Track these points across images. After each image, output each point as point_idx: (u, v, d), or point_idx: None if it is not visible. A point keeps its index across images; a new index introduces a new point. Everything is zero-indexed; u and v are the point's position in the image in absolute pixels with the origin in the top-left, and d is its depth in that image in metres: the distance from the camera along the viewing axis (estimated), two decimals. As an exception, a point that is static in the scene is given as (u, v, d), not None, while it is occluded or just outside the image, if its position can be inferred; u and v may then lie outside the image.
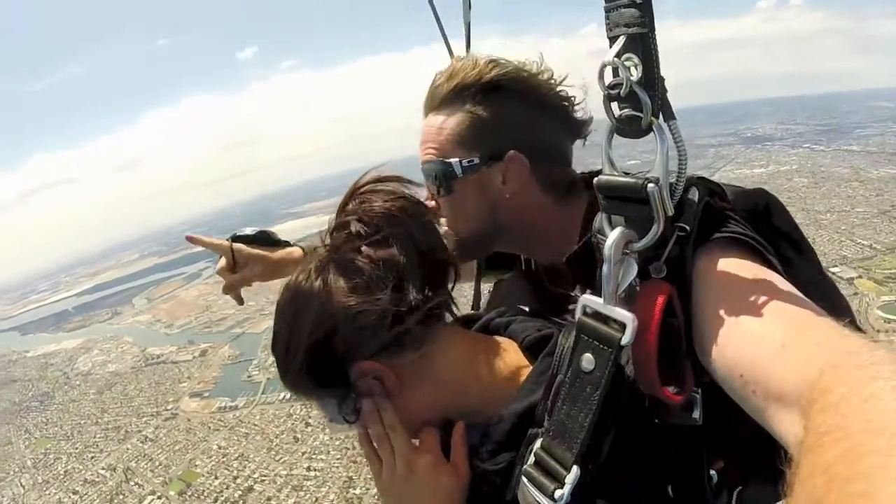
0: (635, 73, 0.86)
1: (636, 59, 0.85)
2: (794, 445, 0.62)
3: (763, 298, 0.82)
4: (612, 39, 0.88)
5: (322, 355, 1.14)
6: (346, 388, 1.16)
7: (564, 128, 1.51)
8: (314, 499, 39.91)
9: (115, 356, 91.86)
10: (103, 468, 57.48)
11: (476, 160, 1.40)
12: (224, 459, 50.28)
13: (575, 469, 0.88)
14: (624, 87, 0.87)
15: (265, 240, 1.86)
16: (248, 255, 1.80)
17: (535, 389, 1.08)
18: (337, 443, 43.35)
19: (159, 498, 48.47)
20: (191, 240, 1.92)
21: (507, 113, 1.41)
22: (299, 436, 48.48)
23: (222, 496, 45.30)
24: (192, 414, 61.97)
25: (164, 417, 64.02)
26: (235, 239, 1.83)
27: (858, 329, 0.82)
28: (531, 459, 0.96)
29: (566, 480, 0.88)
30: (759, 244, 0.91)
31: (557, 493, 0.89)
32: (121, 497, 50.81)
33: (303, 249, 1.84)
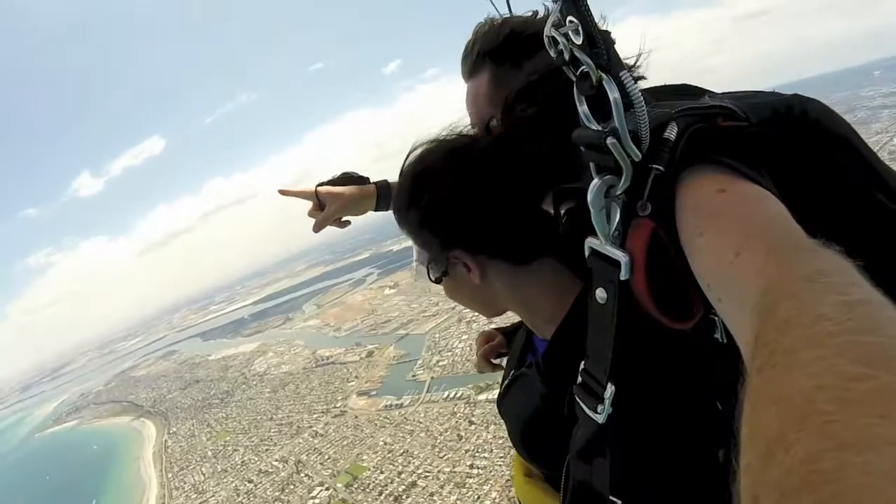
0: (578, 37, 0.95)
1: (575, 21, 0.94)
2: (746, 356, 0.65)
3: (726, 210, 0.87)
4: (551, 7, 1.00)
5: (443, 216, 1.34)
6: (439, 252, 1.38)
7: None
8: (476, 496, 41.92)
9: (288, 358, 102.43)
10: (276, 460, 64.52)
11: None
12: (389, 455, 54.29)
13: (610, 386, 1.05)
14: (566, 52, 0.98)
15: (346, 180, 2.12)
16: (327, 193, 2.07)
17: (572, 319, 1.30)
18: (500, 441, 44.99)
19: (327, 489, 53.69)
20: (282, 192, 2.17)
21: (528, 64, 1.48)
22: (462, 433, 50.82)
23: (387, 490, 49.08)
24: (359, 411, 67.42)
25: (333, 414, 70.21)
26: (320, 184, 2.09)
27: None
28: (579, 379, 1.14)
29: (605, 396, 1.06)
30: (737, 164, 0.93)
31: (599, 407, 1.07)
32: (291, 487, 56.92)
33: (376, 185, 2.12)
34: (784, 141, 1.03)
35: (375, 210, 2.12)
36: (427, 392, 63.23)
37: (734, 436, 0.92)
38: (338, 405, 72.84)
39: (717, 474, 1.06)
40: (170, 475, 73.42)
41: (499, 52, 1.52)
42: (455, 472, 46.83)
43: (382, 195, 2.08)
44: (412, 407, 61.44)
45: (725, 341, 1.06)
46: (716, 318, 1.05)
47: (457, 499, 43.51)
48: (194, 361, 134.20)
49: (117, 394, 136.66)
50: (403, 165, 1.42)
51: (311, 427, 69.63)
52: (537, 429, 1.41)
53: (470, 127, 1.51)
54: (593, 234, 1.03)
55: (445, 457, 49.10)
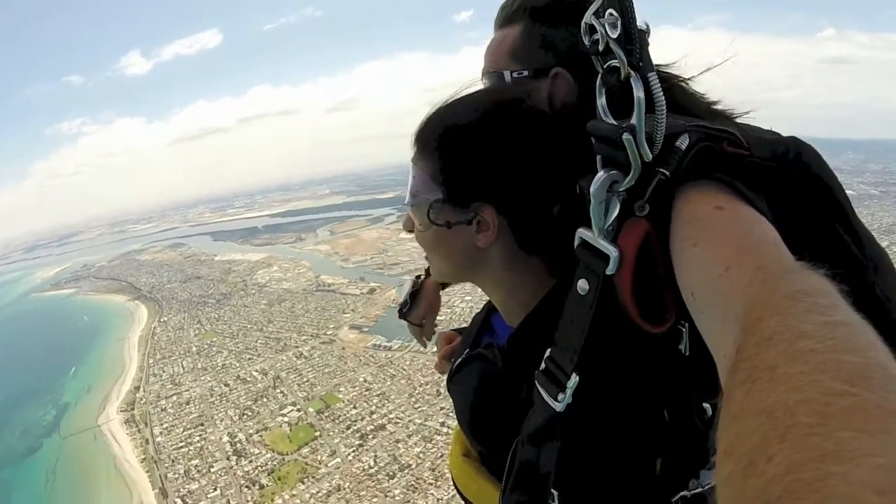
0: (615, 31, 0.98)
1: (615, 14, 0.97)
2: (726, 370, 0.68)
3: (722, 226, 0.92)
4: None
5: (496, 163, 1.29)
6: (463, 197, 1.31)
7: None
8: (440, 454, 42.16)
9: (291, 276, 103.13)
10: (256, 370, 65.47)
11: (525, 72, 1.51)
12: (366, 393, 55.09)
13: (574, 376, 1.10)
14: (601, 42, 1.01)
15: (415, 294, 2.19)
16: (422, 315, 2.20)
17: (545, 307, 1.33)
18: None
19: (298, 410, 54.51)
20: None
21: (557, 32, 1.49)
22: (442, 391, 48.14)
23: (355, 425, 49.84)
24: (347, 344, 68.13)
25: (322, 341, 71.08)
26: (403, 317, 2.20)
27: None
28: (542, 366, 1.18)
29: (567, 385, 1.10)
30: (738, 184, 0.98)
31: (560, 395, 1.11)
32: (265, 400, 57.87)
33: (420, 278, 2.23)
34: (776, 176, 1.07)
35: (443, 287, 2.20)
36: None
37: (676, 448, 1.17)
38: (328, 333, 73.61)
39: (652, 481, 1.18)
40: (151, 361, 74.76)
41: (539, 12, 1.51)
42: (425, 425, 47.35)
43: None
44: (400, 352, 61.79)
45: (688, 354, 1.10)
46: (682, 330, 1.09)
47: (420, 451, 44.14)
48: (199, 258, 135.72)
49: (118, 272, 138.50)
50: (464, 92, 1.38)
51: (297, 347, 70.57)
52: (487, 409, 1.43)
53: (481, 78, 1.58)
54: (584, 225, 1.08)
55: (420, 408, 49.61)
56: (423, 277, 2.21)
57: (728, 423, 0.56)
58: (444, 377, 1.69)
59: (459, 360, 1.55)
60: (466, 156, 1.30)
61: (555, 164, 1.27)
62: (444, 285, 2.19)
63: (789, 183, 1.09)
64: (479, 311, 1.76)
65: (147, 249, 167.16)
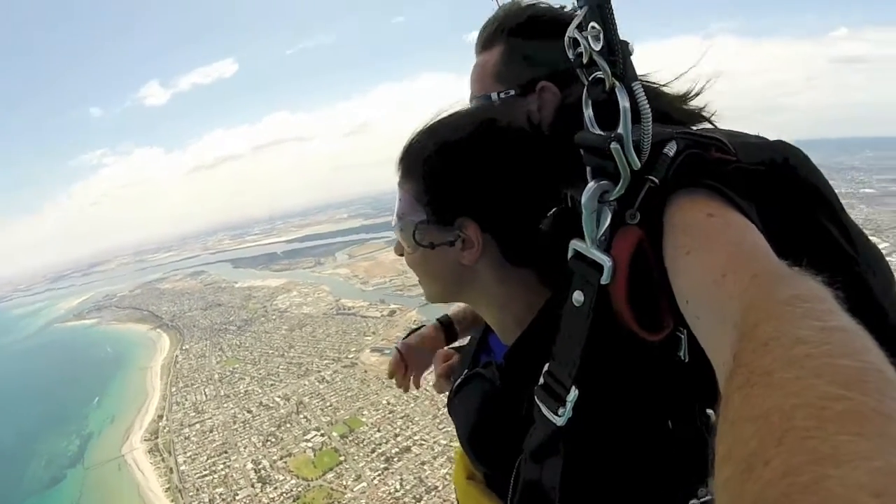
0: (597, 43, 1.00)
1: (598, 27, 0.99)
2: (723, 376, 0.68)
3: (715, 233, 0.92)
4: (575, 8, 1.05)
5: (474, 179, 1.28)
6: (446, 216, 1.30)
7: None
8: (468, 475, 41.28)
9: (311, 301, 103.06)
10: (279, 396, 65.10)
11: (512, 91, 1.51)
12: (390, 416, 54.35)
13: (574, 390, 1.09)
14: (585, 54, 1.03)
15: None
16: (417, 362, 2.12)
17: (540, 322, 1.31)
18: (506, 426, 44.04)
19: (322, 435, 53.96)
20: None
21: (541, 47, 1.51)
22: None
23: (380, 448, 49.14)
24: (369, 367, 67.13)
25: (344, 364, 70.62)
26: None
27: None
28: (541, 381, 1.17)
29: (567, 399, 1.09)
30: (728, 191, 0.98)
31: (560, 410, 1.10)
32: (288, 426, 57.40)
33: (440, 323, 2.16)
34: (765, 181, 1.08)
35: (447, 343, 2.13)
36: (440, 362, 62.27)
37: (681, 457, 1.14)
38: (350, 356, 73.17)
39: (659, 492, 1.16)
40: (173, 389, 74.75)
41: (517, 30, 1.53)
42: (451, 446, 45.89)
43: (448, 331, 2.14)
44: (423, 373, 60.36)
45: (687, 360, 1.11)
46: (681, 337, 1.10)
47: (447, 472, 43.02)
48: (220, 285, 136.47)
49: (140, 302, 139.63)
50: (445, 112, 1.39)
51: (319, 372, 70.18)
52: (489, 428, 1.40)
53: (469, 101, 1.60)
54: (577, 237, 1.10)
55: (445, 429, 48.72)
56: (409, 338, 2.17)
57: (726, 428, 0.57)
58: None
59: (459, 380, 1.52)
60: (445, 175, 1.31)
61: (533, 178, 1.29)
62: (449, 336, 2.14)
63: (779, 187, 1.10)
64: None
65: (168, 278, 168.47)
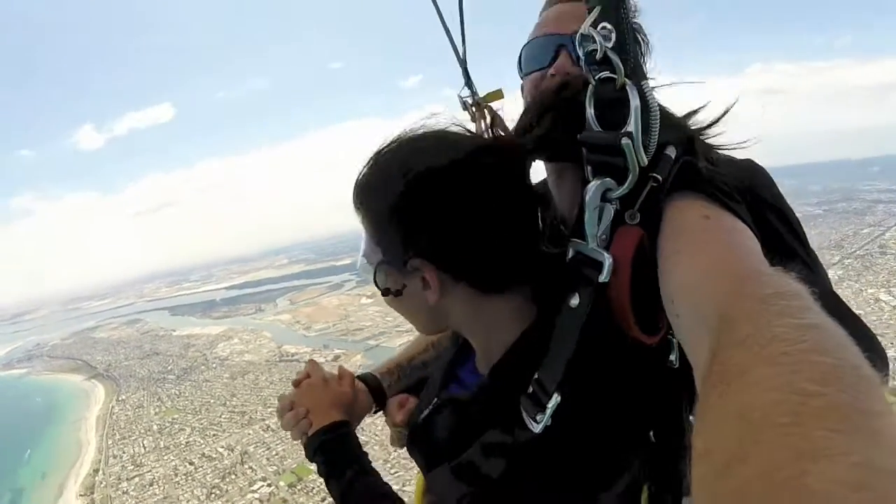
0: (609, 41, 1.03)
1: (609, 27, 1.03)
2: (700, 374, 0.68)
3: (707, 235, 0.96)
4: (590, 10, 1.07)
5: (422, 218, 1.15)
6: (399, 256, 1.19)
7: None
8: (421, 521, 40.96)
9: (253, 348, 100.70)
10: (222, 447, 63.15)
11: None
12: (338, 463, 53.56)
13: (555, 396, 1.04)
14: (599, 51, 1.05)
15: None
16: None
17: (527, 341, 1.22)
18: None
19: (269, 486, 52.61)
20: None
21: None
22: None
23: (329, 498, 48.21)
24: (315, 414, 66.39)
25: (288, 412, 69.31)
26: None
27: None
28: (529, 389, 1.11)
29: (548, 405, 1.05)
30: (723, 196, 1.02)
31: (538, 416, 1.06)
32: (233, 477, 55.64)
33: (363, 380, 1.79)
34: (740, 191, 1.10)
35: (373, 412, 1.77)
36: (388, 407, 61.96)
37: (663, 470, 1.13)
38: (295, 404, 71.37)
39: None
40: (110, 442, 71.83)
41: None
42: (404, 490, 45.39)
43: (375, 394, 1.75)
44: (370, 418, 59.15)
45: (678, 366, 1.10)
46: (673, 340, 1.09)
47: (399, 519, 42.41)
48: (157, 334, 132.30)
49: (73, 351, 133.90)
50: (392, 142, 1.24)
51: (263, 420, 68.41)
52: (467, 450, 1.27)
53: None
54: (577, 238, 1.09)
55: (396, 474, 47.79)
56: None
57: (702, 425, 0.57)
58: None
59: (428, 409, 1.41)
60: (399, 211, 1.17)
61: (480, 205, 1.15)
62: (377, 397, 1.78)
63: (751, 203, 1.12)
64: (434, 364, 1.70)
65: (103, 326, 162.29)
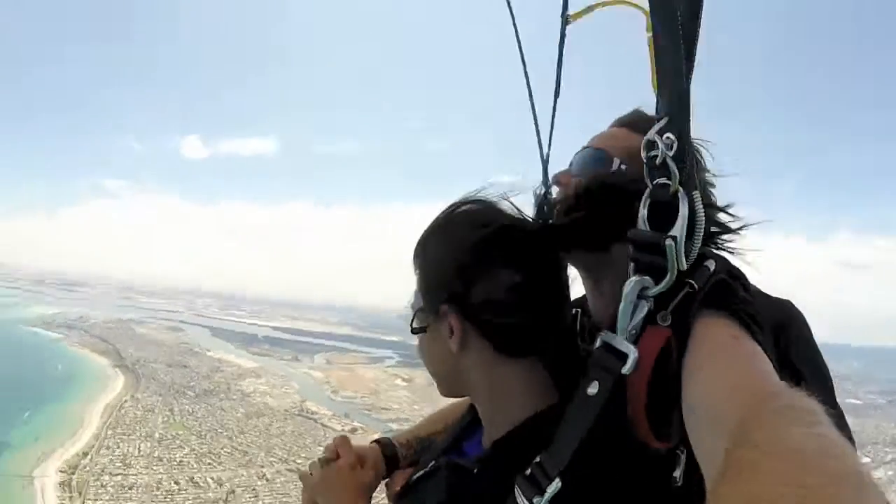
0: (671, 150, 1.08)
1: (673, 137, 1.08)
2: (713, 477, 0.74)
3: (733, 355, 1.01)
4: (658, 119, 1.14)
5: (453, 265, 1.31)
6: (433, 301, 1.34)
7: None
8: None
9: (278, 393, 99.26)
10: (213, 478, 61.28)
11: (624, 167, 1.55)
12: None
13: (556, 482, 1.05)
14: (659, 157, 1.10)
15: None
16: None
17: (540, 421, 1.25)
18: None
19: (245, 533, 49.48)
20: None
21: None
22: None
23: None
24: (314, 479, 63.41)
25: (289, 467, 66.40)
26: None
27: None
28: (527, 471, 1.12)
29: (547, 489, 1.05)
30: (751, 322, 1.07)
31: (536, 499, 1.06)
32: (212, 512, 53.16)
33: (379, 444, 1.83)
34: (771, 326, 1.18)
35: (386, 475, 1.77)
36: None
37: None
38: (298, 461, 68.95)
39: None
40: (109, 432, 70.89)
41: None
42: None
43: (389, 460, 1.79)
44: (373, 500, 56.59)
45: (680, 484, 1.12)
46: (681, 456, 1.11)
47: None
48: (192, 348, 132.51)
49: (110, 335, 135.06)
50: (461, 204, 1.42)
51: (262, 466, 66.58)
52: None
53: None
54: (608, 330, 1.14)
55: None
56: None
57: None
58: None
59: (423, 471, 1.46)
60: (427, 263, 1.40)
61: (513, 268, 1.31)
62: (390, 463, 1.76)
63: (783, 347, 1.26)
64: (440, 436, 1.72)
65: (145, 323, 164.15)
